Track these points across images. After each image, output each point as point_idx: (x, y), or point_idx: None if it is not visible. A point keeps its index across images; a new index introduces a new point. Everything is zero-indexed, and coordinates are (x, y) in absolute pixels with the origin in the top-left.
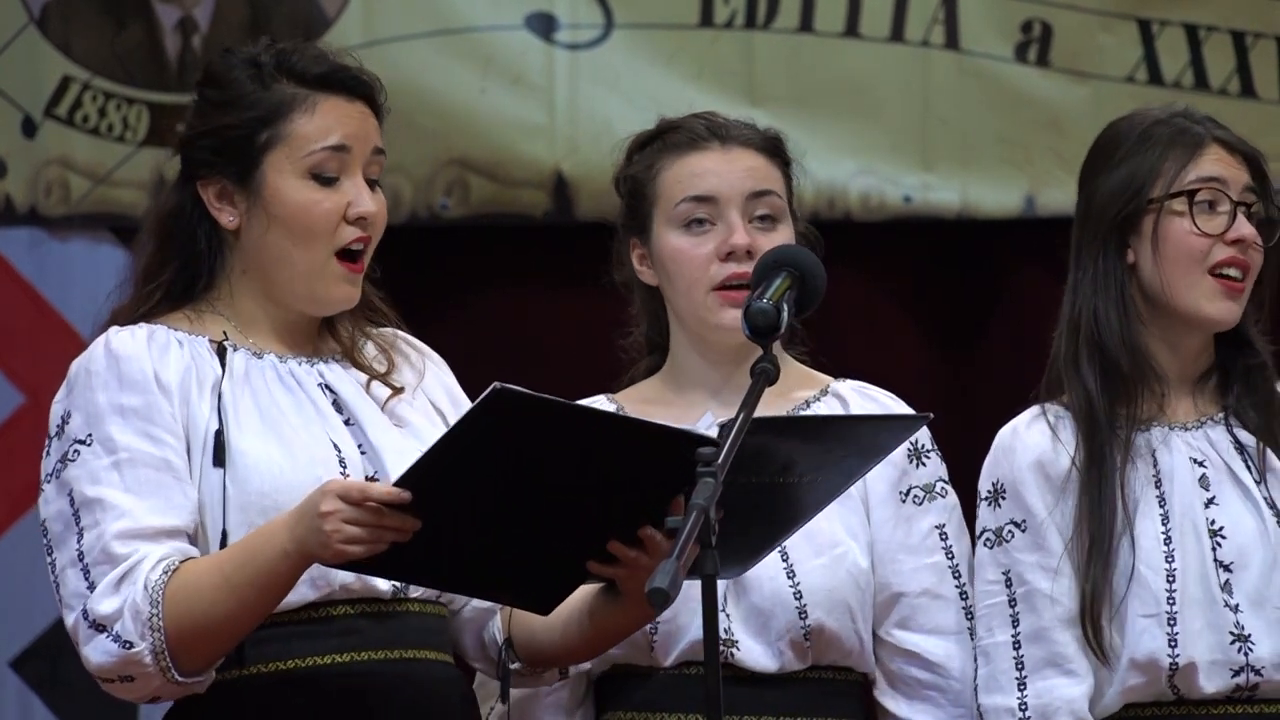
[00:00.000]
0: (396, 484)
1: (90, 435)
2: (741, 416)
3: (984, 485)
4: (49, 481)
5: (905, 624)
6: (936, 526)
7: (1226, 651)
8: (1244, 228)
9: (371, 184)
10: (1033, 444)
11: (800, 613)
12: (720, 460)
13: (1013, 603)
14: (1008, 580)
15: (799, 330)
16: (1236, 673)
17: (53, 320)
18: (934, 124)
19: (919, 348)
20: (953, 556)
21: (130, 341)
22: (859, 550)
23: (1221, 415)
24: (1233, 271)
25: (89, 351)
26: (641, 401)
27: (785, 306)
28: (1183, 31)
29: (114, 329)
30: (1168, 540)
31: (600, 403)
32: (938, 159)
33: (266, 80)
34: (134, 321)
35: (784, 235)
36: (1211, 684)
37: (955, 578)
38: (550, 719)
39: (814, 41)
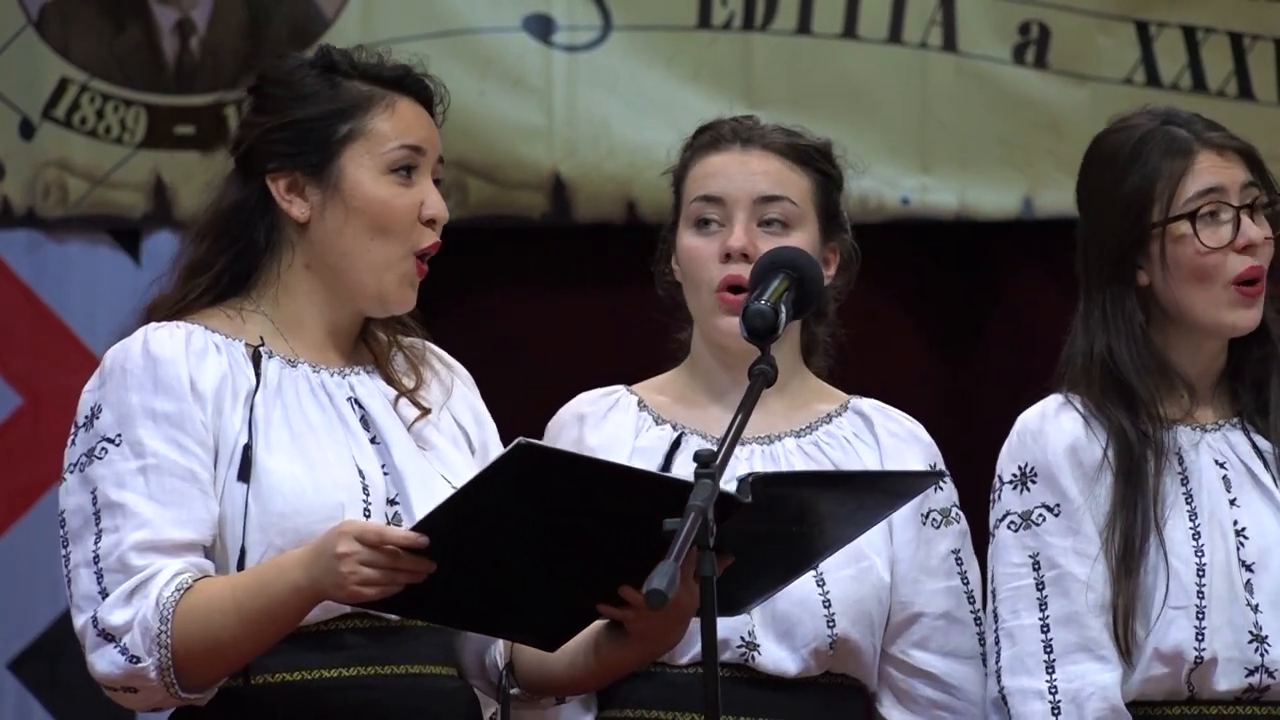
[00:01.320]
0: (414, 528)
1: (120, 435)
2: (739, 419)
3: (1008, 469)
4: (72, 472)
5: (923, 645)
6: (952, 551)
7: (1244, 650)
8: (1250, 231)
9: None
10: (1067, 430)
11: (829, 621)
12: (718, 462)
13: (1041, 586)
14: (1035, 563)
15: (826, 345)
16: (1251, 672)
17: (50, 322)
18: (932, 126)
19: (918, 349)
20: (967, 582)
21: (168, 343)
22: (881, 565)
23: (1238, 420)
24: (1253, 276)
25: (125, 346)
26: (656, 395)
27: (783, 308)
28: (1181, 33)
29: (152, 325)
30: (1196, 536)
31: (619, 394)
32: (936, 161)
33: (338, 78)
34: (172, 317)
35: (796, 242)
36: (1226, 681)
37: (970, 602)
38: (568, 710)
39: (812, 43)
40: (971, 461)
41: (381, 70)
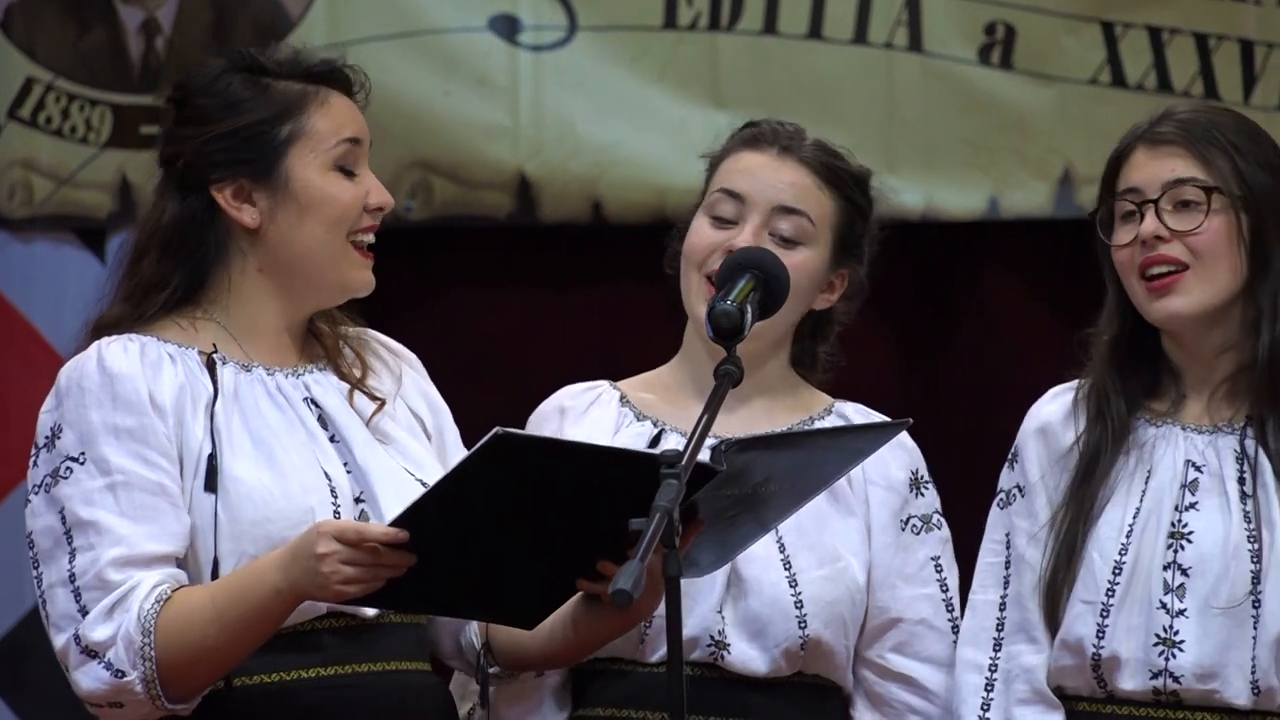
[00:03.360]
0: (393, 523)
1: (83, 454)
2: (706, 418)
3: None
4: (37, 493)
5: (902, 649)
6: (932, 558)
7: (1148, 653)
8: (1146, 226)
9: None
10: (1046, 412)
11: (800, 622)
12: (684, 462)
13: (1007, 564)
14: (1007, 542)
15: (819, 357)
16: (1155, 675)
17: (16, 322)
18: (898, 126)
19: (884, 349)
20: (946, 589)
21: (123, 358)
22: (858, 566)
23: (1242, 423)
24: (1152, 270)
25: (79, 364)
26: (639, 391)
27: (749, 308)
28: (1146, 34)
29: (105, 340)
30: (1128, 534)
31: (602, 389)
32: (902, 161)
33: (264, 81)
34: (122, 330)
35: (800, 260)
36: (1131, 682)
37: (948, 611)
38: (542, 696)
39: (778, 43)
40: (938, 458)
41: (309, 67)
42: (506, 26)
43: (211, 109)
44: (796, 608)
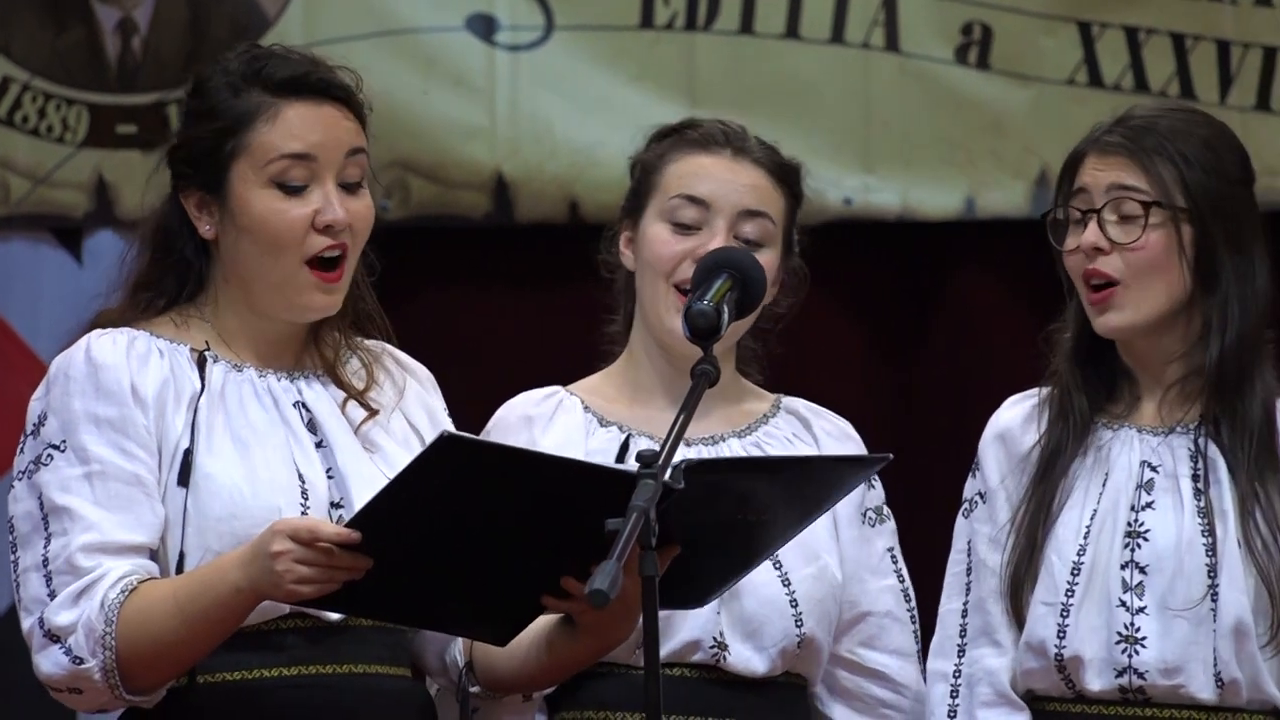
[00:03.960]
0: (348, 524)
1: (64, 441)
2: (681, 419)
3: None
4: (20, 480)
5: (870, 643)
6: (888, 549)
7: (1111, 651)
8: (1088, 235)
9: (354, 186)
10: (1006, 418)
11: (796, 621)
12: (660, 462)
13: (968, 571)
14: (969, 550)
15: (755, 353)
16: (1120, 673)
17: None
18: (875, 126)
19: (859, 349)
20: (903, 580)
21: (110, 349)
22: (834, 563)
23: (1194, 423)
24: (1093, 282)
25: (70, 354)
26: (595, 396)
27: (726, 309)
28: (1123, 34)
29: (96, 332)
30: (1086, 535)
31: (561, 396)
32: (878, 161)
33: (238, 88)
34: (120, 325)
35: (765, 260)
36: (1098, 681)
37: (907, 601)
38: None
39: (754, 43)
40: (913, 459)
41: (273, 75)
42: (483, 26)
43: (193, 112)
44: (792, 606)
